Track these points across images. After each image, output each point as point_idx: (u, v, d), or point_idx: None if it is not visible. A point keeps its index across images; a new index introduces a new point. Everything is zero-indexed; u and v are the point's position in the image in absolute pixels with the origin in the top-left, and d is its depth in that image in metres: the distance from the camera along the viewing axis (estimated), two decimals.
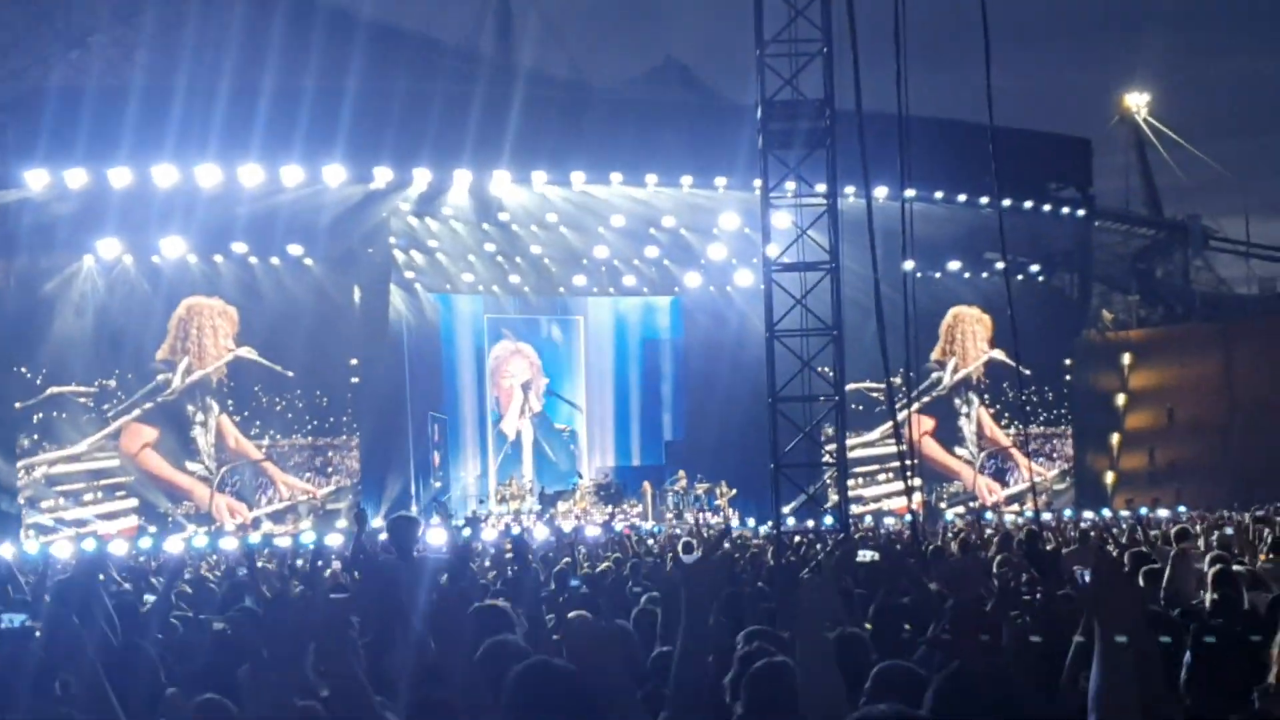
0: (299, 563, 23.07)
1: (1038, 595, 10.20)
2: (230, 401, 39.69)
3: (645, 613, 9.94)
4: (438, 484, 44.21)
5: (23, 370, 37.33)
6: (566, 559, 17.56)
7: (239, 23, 38.07)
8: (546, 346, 47.31)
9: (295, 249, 39.98)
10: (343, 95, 36.57)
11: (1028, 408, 47.51)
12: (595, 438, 47.65)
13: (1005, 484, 47.45)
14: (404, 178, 38.96)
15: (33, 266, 37.68)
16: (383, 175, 38.17)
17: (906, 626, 8.84)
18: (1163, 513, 35.64)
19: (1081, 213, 49.25)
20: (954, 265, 47.15)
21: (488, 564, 19.15)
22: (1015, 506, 43.96)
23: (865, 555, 11.23)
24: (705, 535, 25.72)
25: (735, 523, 39.87)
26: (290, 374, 39.87)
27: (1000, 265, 34.42)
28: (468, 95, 37.65)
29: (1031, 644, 7.28)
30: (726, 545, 20.89)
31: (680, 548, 18.78)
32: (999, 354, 46.38)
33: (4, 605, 11.01)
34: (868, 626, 8.81)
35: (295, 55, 36.51)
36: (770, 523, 27.50)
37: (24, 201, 35.90)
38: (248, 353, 39.42)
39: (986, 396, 48.13)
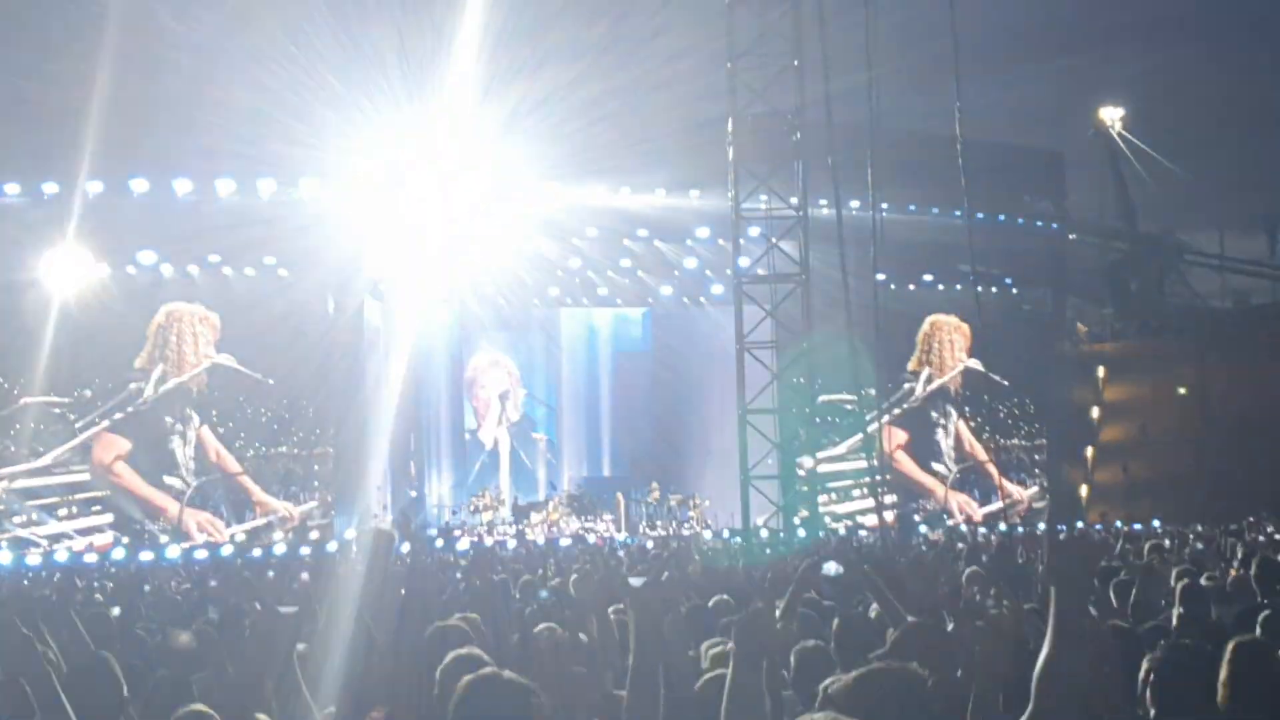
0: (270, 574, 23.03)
1: (1004, 607, 10.19)
2: (214, 411, 39.34)
3: (619, 624, 9.91)
4: (414, 493, 44.09)
5: None
6: (539, 571, 17.51)
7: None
8: (522, 356, 47.24)
9: (269, 259, 39.75)
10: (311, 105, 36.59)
11: (1009, 420, 47.53)
12: (567, 448, 47.58)
13: (989, 501, 47.00)
14: (378, 188, 39.04)
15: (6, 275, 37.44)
16: (358, 185, 38.22)
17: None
18: (1137, 526, 35.68)
19: (1055, 225, 49.33)
20: (928, 278, 47.05)
21: (459, 575, 19.08)
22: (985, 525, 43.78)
23: (831, 568, 11.18)
24: (675, 548, 25.66)
25: (708, 535, 39.87)
26: (271, 381, 39.45)
27: (973, 277, 34.44)
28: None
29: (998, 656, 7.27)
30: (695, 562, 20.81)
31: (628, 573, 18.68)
32: (975, 363, 46.26)
33: None
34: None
35: (261, 65, 36.39)
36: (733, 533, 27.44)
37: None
38: (226, 359, 38.97)
39: (967, 409, 47.97)
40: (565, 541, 36.02)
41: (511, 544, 37.90)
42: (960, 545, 25.37)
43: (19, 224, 36.36)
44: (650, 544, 32.32)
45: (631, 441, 47.86)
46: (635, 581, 5.70)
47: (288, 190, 38.90)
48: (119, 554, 34.00)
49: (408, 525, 12.93)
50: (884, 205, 23.83)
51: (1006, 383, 41.39)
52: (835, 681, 4.02)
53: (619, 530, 41.59)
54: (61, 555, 34.09)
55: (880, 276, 24.64)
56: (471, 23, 40.74)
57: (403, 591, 8.97)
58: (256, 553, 35.04)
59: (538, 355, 47.53)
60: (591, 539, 38.62)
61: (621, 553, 28.02)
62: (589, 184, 40.88)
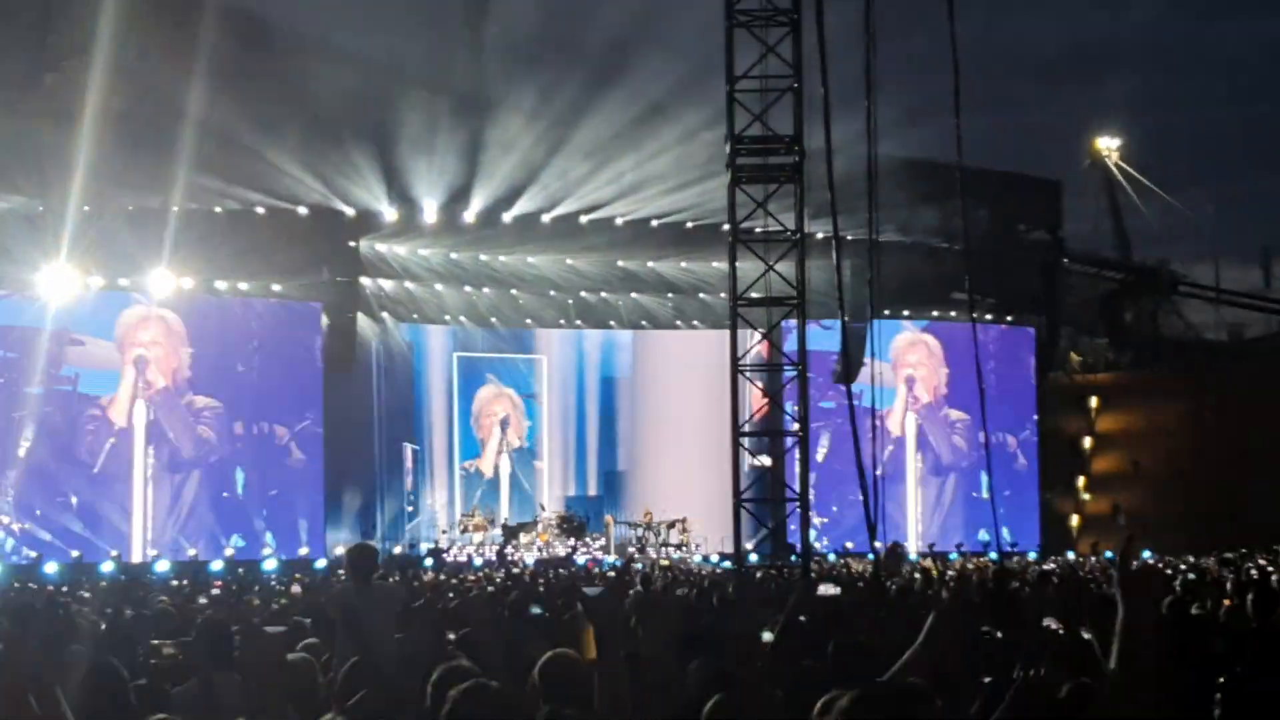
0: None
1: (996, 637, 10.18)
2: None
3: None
4: (410, 508, 44.24)
5: None
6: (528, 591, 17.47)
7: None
8: (510, 376, 47.29)
9: (262, 276, 39.74)
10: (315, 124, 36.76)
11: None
12: (554, 470, 47.61)
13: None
14: (374, 207, 39.27)
15: None
16: (352, 205, 38.43)
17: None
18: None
19: (1051, 255, 49.41)
20: (922, 304, 46.99)
21: (450, 595, 19.04)
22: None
23: (827, 589, 11.13)
24: (662, 569, 25.65)
25: (697, 557, 39.86)
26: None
27: (970, 305, 34.37)
28: (435, 127, 37.73)
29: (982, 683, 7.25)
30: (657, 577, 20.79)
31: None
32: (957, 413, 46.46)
33: None
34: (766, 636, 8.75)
35: (258, 83, 36.49)
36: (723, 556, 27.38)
37: None
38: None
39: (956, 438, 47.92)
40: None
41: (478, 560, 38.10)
42: (950, 574, 25.35)
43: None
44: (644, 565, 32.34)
45: (617, 462, 47.93)
46: (590, 590, 5.70)
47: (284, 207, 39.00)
48: (107, 566, 33.92)
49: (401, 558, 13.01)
50: (881, 231, 23.73)
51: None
52: (837, 697, 3.96)
53: (608, 552, 41.58)
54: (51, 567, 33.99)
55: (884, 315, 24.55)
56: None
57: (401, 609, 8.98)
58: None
59: (523, 374, 47.56)
60: (582, 560, 38.63)
61: (611, 573, 28.01)
62: (582, 205, 41.10)
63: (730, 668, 8.38)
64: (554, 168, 39.55)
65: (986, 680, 7.39)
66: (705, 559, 39.74)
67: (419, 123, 37.90)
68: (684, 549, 41.58)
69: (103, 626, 13.07)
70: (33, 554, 35.72)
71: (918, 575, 24.75)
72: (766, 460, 32.47)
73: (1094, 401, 51.72)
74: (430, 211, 40.42)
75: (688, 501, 43.72)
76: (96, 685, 6.97)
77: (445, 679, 6.14)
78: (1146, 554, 37.95)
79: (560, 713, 5.53)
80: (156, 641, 9.57)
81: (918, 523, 46.58)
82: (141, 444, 38.51)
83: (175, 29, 38.46)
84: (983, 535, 43.30)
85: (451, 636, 9.07)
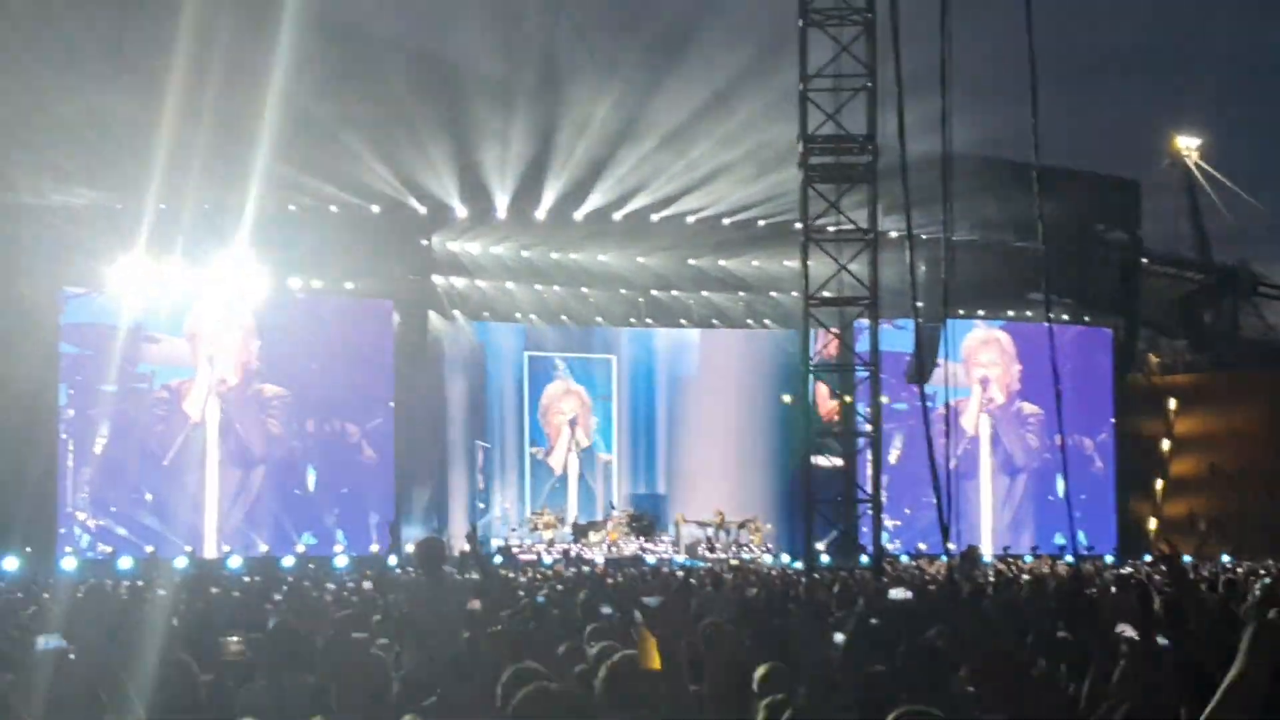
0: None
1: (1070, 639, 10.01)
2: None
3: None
4: (482, 505, 44.35)
5: None
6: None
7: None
8: (582, 374, 47.30)
9: (335, 273, 39.84)
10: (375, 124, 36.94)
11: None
12: (622, 468, 47.53)
13: None
14: (446, 204, 39.40)
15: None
16: (423, 202, 38.59)
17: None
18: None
19: (1129, 255, 48.93)
20: (997, 305, 46.58)
21: (521, 594, 18.97)
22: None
23: (897, 594, 10.97)
24: (732, 569, 25.48)
25: (768, 559, 39.69)
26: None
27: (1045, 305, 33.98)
28: (508, 123, 37.76)
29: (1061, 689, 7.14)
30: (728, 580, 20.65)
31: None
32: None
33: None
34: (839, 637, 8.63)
35: (332, 80, 36.62)
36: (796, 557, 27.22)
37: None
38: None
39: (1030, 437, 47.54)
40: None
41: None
42: (1024, 578, 25.10)
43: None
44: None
45: (687, 461, 47.77)
46: (649, 600, 5.58)
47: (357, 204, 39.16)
48: (181, 562, 34.12)
49: (474, 539, 12.94)
50: (955, 230, 23.53)
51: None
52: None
53: (678, 552, 41.50)
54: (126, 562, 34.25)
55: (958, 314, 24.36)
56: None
57: (474, 604, 8.93)
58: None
59: (598, 373, 47.55)
60: (652, 560, 38.56)
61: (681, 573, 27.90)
62: (656, 204, 41.06)
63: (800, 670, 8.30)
64: (623, 162, 39.47)
65: None
66: (776, 559, 39.59)
67: (491, 119, 37.93)
68: (754, 549, 41.46)
69: (174, 622, 13.11)
70: (107, 549, 35.99)
71: (991, 579, 24.55)
72: (835, 460, 32.30)
73: (1172, 403, 51.18)
74: (501, 209, 40.47)
75: (756, 501, 43.74)
76: (168, 680, 6.94)
77: (513, 681, 6.07)
78: (1226, 559, 37.50)
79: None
80: (223, 638, 9.54)
81: (992, 525, 46.19)
82: (215, 440, 38.75)
83: (253, 25, 38.73)
84: (1058, 538, 42.91)
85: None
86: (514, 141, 38.22)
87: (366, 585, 22.13)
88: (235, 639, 9.41)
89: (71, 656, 6.99)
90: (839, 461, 32.95)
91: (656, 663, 5.25)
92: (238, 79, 37.34)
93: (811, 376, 24.43)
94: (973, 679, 6.94)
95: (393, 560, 35.96)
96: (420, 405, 42.15)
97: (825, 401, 43.49)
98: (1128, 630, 7.61)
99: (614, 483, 46.85)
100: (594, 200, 40.73)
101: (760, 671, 8.16)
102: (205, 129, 36.47)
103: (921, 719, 4.37)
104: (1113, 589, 19.99)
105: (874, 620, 10.49)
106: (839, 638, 9.19)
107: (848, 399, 28.66)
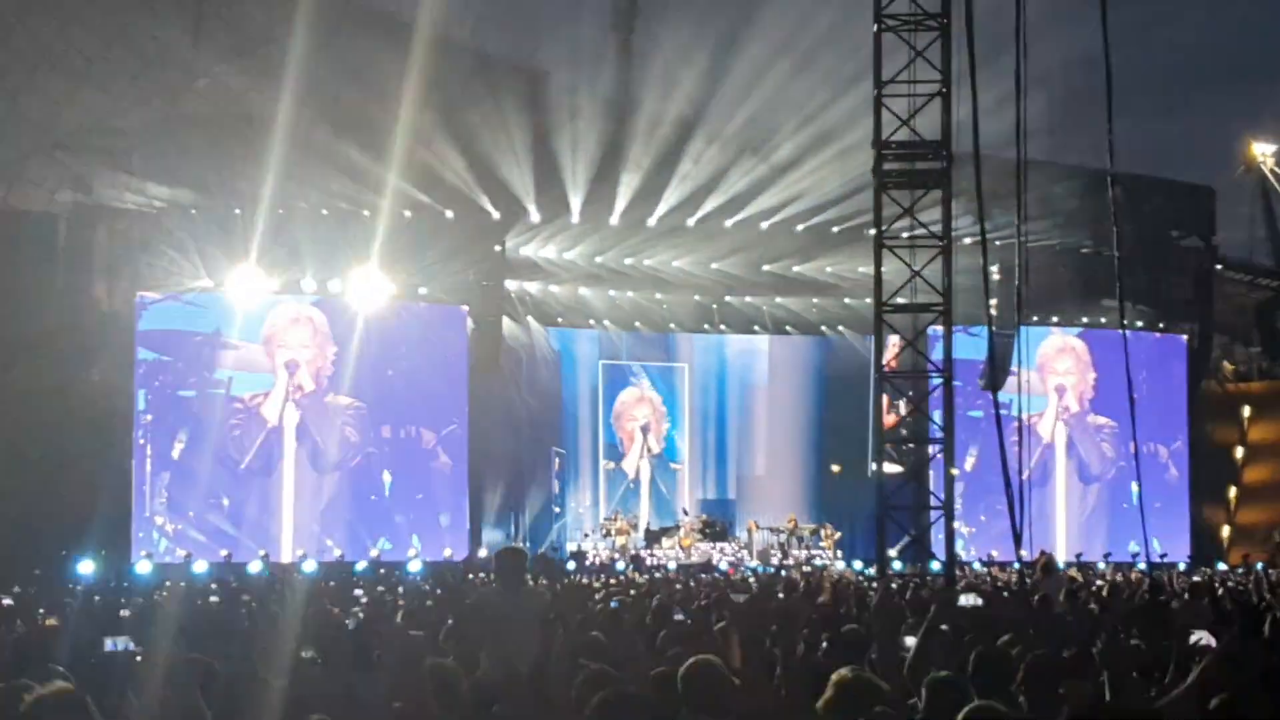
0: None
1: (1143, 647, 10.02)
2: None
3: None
4: (557, 509, 45.00)
5: None
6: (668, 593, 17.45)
7: (354, 55, 38.51)
8: (656, 384, 47.59)
9: (410, 279, 40.04)
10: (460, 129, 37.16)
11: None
12: (694, 474, 47.75)
13: None
14: (519, 210, 39.63)
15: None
16: (497, 206, 38.86)
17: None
18: None
19: (1204, 262, 48.63)
20: (1071, 311, 46.35)
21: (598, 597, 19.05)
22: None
23: (968, 600, 10.99)
24: (806, 576, 25.50)
25: (840, 564, 39.68)
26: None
27: (1120, 312, 33.74)
28: (585, 131, 37.91)
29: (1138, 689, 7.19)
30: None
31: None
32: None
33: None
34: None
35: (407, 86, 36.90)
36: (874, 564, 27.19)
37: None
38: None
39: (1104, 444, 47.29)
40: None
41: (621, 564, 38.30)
42: (1099, 583, 25.03)
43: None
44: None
45: (757, 467, 48.06)
46: (738, 597, 5.63)
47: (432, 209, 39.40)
48: (255, 566, 34.39)
49: (549, 560, 13.05)
50: (1029, 235, 23.45)
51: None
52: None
53: (750, 557, 41.56)
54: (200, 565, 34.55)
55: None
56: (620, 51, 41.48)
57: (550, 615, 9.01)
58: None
59: (671, 380, 47.81)
60: (723, 565, 38.61)
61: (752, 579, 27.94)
62: (723, 210, 41.14)
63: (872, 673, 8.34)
64: (698, 169, 39.55)
65: None
66: (849, 565, 39.59)
67: (566, 125, 38.08)
68: (825, 555, 41.51)
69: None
70: (182, 553, 36.34)
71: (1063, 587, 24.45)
72: (898, 468, 32.37)
73: (1246, 411, 50.76)
74: (575, 214, 40.59)
75: (828, 508, 43.97)
76: (233, 690, 7.06)
77: (587, 685, 6.15)
78: None
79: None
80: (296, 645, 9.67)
81: (1066, 532, 45.93)
82: (292, 445, 39.05)
83: (330, 33, 39.08)
84: (1133, 546, 42.61)
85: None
86: (588, 147, 38.32)
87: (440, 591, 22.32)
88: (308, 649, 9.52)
89: (139, 659, 7.11)
90: (898, 469, 33.13)
91: (739, 661, 5.33)
92: (310, 85, 37.83)
93: (881, 382, 24.38)
94: (1021, 685, 6.98)
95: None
96: (497, 411, 42.41)
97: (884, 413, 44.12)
98: (1204, 638, 7.64)
99: (684, 488, 47.03)
100: (667, 205, 40.79)
101: (838, 676, 8.20)
102: (285, 135, 36.96)
103: (990, 713, 4.43)
104: (1185, 595, 19.94)
105: (944, 626, 10.51)
106: (909, 641, 9.21)
107: (898, 407, 28.59)
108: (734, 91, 38.57)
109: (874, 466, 28.53)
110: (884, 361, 24.44)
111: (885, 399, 28.84)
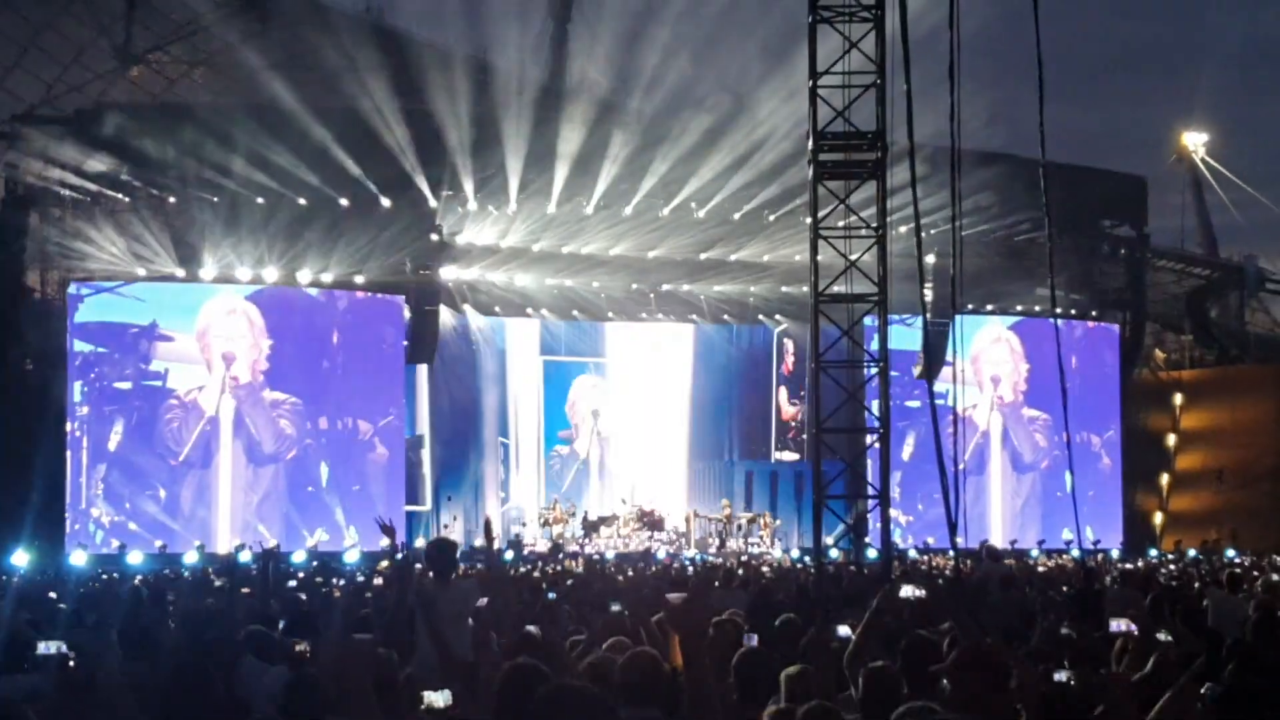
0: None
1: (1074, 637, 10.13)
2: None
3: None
4: (503, 494, 45.35)
5: None
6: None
7: (296, 42, 38.39)
8: (599, 373, 47.93)
9: (344, 268, 39.87)
10: (396, 115, 37.07)
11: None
12: (634, 463, 48.00)
13: None
14: (456, 199, 39.54)
15: None
16: (434, 196, 38.74)
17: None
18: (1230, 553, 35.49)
19: (1136, 251, 49.02)
20: (1005, 301, 46.65)
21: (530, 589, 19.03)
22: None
23: (909, 591, 11.07)
24: (746, 564, 25.57)
25: (776, 553, 39.85)
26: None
27: (1052, 302, 33.96)
28: (522, 118, 37.82)
29: (1058, 682, 7.25)
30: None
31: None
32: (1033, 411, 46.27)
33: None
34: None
35: (348, 75, 36.78)
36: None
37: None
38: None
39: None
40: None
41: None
42: (1040, 569, 25.26)
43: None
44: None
45: (693, 457, 48.56)
46: (674, 596, 5.57)
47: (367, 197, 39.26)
48: (191, 557, 34.19)
49: (489, 534, 13.01)
50: (962, 225, 23.57)
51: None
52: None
53: (688, 546, 41.66)
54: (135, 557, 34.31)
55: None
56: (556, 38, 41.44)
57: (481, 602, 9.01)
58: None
59: (606, 367, 48.07)
60: (661, 554, 38.67)
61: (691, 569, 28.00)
62: (665, 194, 41.09)
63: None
64: (636, 161, 39.49)
65: None
66: (786, 553, 39.76)
67: (503, 114, 37.98)
68: (763, 543, 41.68)
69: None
70: (115, 544, 36.12)
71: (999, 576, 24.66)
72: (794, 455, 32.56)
73: (1178, 399, 51.26)
74: (513, 202, 40.42)
75: (763, 497, 44.48)
76: (179, 683, 7.03)
77: (517, 677, 6.14)
78: (1231, 553, 37.62)
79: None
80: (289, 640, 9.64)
81: (1001, 520, 46.24)
82: (228, 436, 38.84)
83: (261, 20, 38.96)
84: (1066, 534, 42.97)
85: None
86: (524, 136, 38.19)
87: (377, 581, 22.26)
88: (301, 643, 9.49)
89: (71, 663, 7.07)
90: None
91: (679, 660, 5.33)
92: (244, 73, 37.79)
93: (818, 372, 24.45)
94: (950, 677, 7.04)
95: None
96: (432, 401, 42.48)
97: (785, 407, 45.16)
98: (1124, 624, 7.72)
99: (624, 477, 47.25)
100: (604, 195, 40.68)
101: (790, 671, 8.25)
102: (216, 123, 36.87)
103: (923, 715, 4.48)
104: (1116, 585, 20.16)
105: (887, 619, 10.59)
106: (843, 631, 9.28)
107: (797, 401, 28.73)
108: (666, 76, 38.57)
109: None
110: (824, 350, 24.46)
111: (783, 391, 29.13)
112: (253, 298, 39.15)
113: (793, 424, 47.95)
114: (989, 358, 46.77)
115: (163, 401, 38.37)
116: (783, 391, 48.12)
